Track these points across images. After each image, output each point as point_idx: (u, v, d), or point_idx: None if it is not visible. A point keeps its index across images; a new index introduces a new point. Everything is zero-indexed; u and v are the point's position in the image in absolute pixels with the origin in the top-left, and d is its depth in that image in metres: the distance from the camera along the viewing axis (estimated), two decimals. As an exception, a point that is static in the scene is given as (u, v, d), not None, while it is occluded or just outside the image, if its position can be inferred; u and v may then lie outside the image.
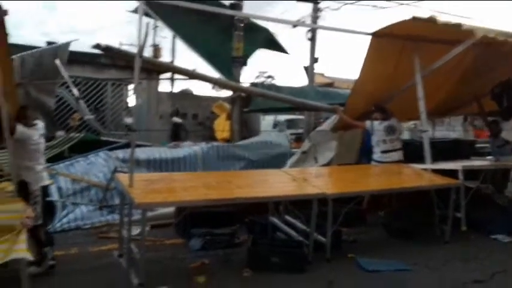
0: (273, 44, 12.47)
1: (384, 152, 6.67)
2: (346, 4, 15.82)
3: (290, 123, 19.91)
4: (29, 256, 3.30)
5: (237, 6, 12.31)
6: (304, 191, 5.04)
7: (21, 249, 3.22)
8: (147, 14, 5.43)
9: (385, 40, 6.11)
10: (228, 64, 11.85)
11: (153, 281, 4.11)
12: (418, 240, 5.76)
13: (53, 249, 4.61)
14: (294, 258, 4.75)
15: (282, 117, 20.35)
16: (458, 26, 5.25)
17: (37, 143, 4.50)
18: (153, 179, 5.01)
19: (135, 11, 11.55)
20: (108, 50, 5.89)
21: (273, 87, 12.15)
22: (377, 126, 6.69)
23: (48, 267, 4.46)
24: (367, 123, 6.84)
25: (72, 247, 5.37)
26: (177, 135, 14.06)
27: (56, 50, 9.29)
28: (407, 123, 10.54)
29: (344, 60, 56.99)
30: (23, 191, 4.08)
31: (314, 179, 5.55)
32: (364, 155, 7.55)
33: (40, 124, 4.66)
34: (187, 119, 17.44)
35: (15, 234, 3.26)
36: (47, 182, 4.66)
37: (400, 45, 6.34)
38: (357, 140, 7.31)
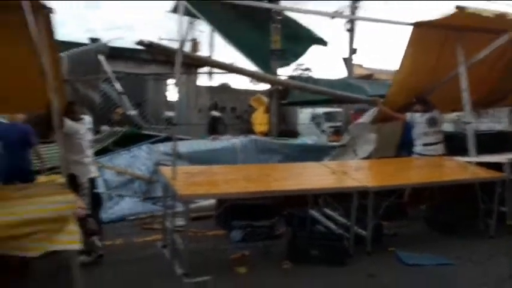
0: (316, 41, 12.44)
1: (425, 144, 6.54)
2: (385, -6, 15.44)
3: (328, 116, 19.75)
4: (81, 246, 3.48)
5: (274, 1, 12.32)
6: (344, 183, 5.03)
7: (74, 241, 3.40)
8: (186, 12, 5.57)
9: (427, 30, 5.97)
10: (266, 57, 11.89)
11: (196, 271, 4.22)
12: (461, 234, 5.63)
13: (101, 240, 4.82)
14: (334, 251, 4.76)
15: (320, 110, 20.21)
16: (503, 16, 5.08)
17: (84, 137, 4.70)
18: (194, 171, 5.14)
19: (174, 10, 11.79)
20: (150, 46, 6.06)
21: (310, 79, 12.12)
22: (418, 119, 6.57)
23: (96, 256, 4.67)
24: (408, 115, 6.72)
25: (118, 238, 5.58)
26: (215, 128, 14.25)
27: (100, 46, 9.62)
28: (450, 114, 10.25)
29: (384, 51, 55.73)
30: (73, 183, 4.28)
31: (354, 172, 5.52)
32: (405, 148, 7.42)
33: (87, 119, 4.87)
34: (225, 112, 17.62)
35: (68, 224, 3.43)
36: (94, 174, 4.86)
37: (443, 35, 6.18)
38: (397, 132, 7.18)
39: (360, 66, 24.97)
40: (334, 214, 5.61)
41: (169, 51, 6.54)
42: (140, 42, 5.84)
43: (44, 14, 3.75)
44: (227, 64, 8.50)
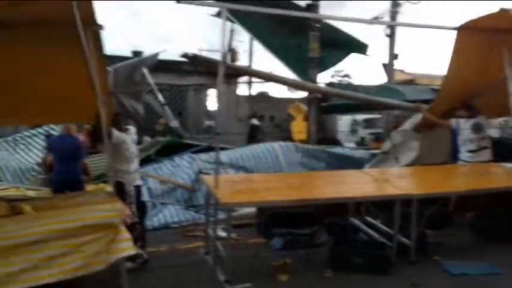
0: (356, 48, 12.39)
1: (471, 151, 6.35)
2: (427, -2, 15.14)
3: (368, 123, 19.54)
4: (134, 251, 3.61)
5: (313, 6, 12.36)
6: (387, 191, 4.96)
7: (128, 247, 3.53)
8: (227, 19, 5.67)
9: (472, 34, 5.83)
10: (304, 65, 11.94)
11: (238, 278, 4.28)
12: (508, 242, 5.41)
13: (146, 246, 4.97)
14: (377, 259, 4.69)
15: (360, 117, 19.99)
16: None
17: (130, 147, 4.87)
18: (236, 180, 5.23)
19: (217, 15, 12.05)
20: (195, 59, 6.23)
21: (349, 86, 12.05)
22: (463, 125, 6.39)
23: (141, 262, 4.81)
24: (453, 121, 6.55)
25: (162, 244, 5.72)
26: (254, 137, 14.36)
27: (145, 61, 9.98)
28: (496, 120, 9.90)
29: (426, 55, 54.40)
30: (120, 191, 4.46)
31: (396, 179, 5.44)
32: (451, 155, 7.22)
33: (132, 130, 5.04)
34: (264, 121, 17.72)
35: (118, 232, 3.56)
36: (139, 182, 5.02)
37: (488, 38, 6.01)
38: (445, 139, 6.97)
39: (402, 71, 24.55)
40: (376, 222, 5.54)
41: (212, 63, 6.70)
42: (185, 55, 6.03)
43: (94, 30, 3.96)
44: (266, 73, 8.62)
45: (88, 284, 4.36)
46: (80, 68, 3.91)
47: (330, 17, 12.37)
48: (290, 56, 12.09)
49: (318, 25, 11.25)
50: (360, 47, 12.55)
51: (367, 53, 12.39)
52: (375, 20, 14.23)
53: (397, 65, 17.68)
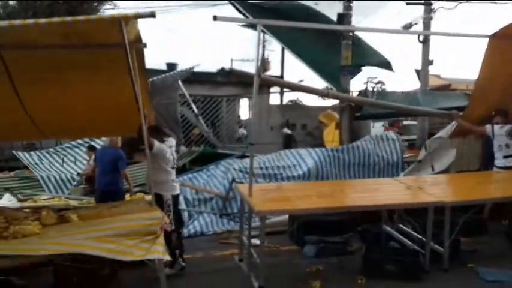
0: (382, 64, 12.37)
1: (506, 157, 6.26)
2: (461, 3, 14.88)
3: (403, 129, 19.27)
4: (166, 257, 3.81)
5: (345, 16, 12.43)
6: (419, 199, 4.98)
7: (159, 251, 3.74)
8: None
9: (504, 40, 5.79)
10: (336, 73, 11.99)
11: (271, 285, 4.42)
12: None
13: (183, 253, 5.17)
14: (409, 266, 4.73)
15: (394, 124, 19.79)
16: None
17: (169, 157, 5.08)
18: (268, 188, 5.38)
19: (250, 25, 12.29)
20: (231, 73, 6.46)
21: (383, 93, 12.00)
22: (498, 131, 6.32)
23: (179, 269, 5.02)
24: (488, 127, 6.49)
25: (197, 251, 5.92)
26: (287, 146, 14.47)
27: (180, 74, 10.34)
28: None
29: (463, 60, 53.08)
30: (159, 200, 4.68)
31: (429, 186, 5.44)
32: (488, 161, 7.12)
33: (172, 141, 5.25)
34: (296, 129, 17.80)
35: (155, 237, 3.78)
36: (177, 192, 5.24)
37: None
38: (476, 146, 6.91)
39: (438, 76, 24.10)
40: (409, 230, 5.55)
41: (246, 75, 6.91)
42: (222, 70, 6.28)
43: (138, 48, 4.21)
44: (295, 84, 8.75)
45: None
46: (124, 83, 4.16)
47: (362, 29, 12.38)
48: (321, 64, 12.17)
49: (351, 33, 11.30)
50: (386, 65, 12.55)
51: (392, 69, 12.35)
52: (406, 31, 14.09)
53: (433, 70, 17.37)
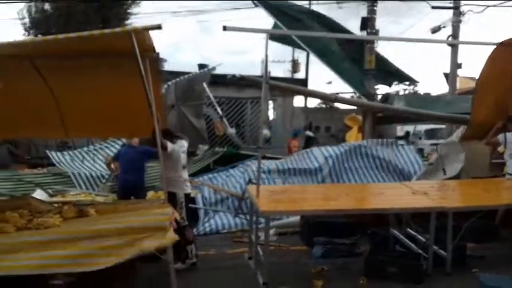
0: (405, 79, 12.41)
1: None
2: (489, 6, 14.66)
3: (430, 133, 19.02)
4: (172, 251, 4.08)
5: (369, 20, 12.51)
6: (421, 203, 5.08)
7: (168, 245, 4.02)
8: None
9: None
10: (360, 77, 12.09)
11: (276, 281, 4.63)
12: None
13: (195, 249, 5.45)
14: (412, 269, 4.85)
15: (422, 127, 19.53)
16: None
17: (180, 158, 5.37)
18: (277, 190, 5.60)
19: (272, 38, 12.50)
20: (242, 79, 6.73)
21: (415, 96, 11.98)
22: (510, 138, 6.32)
23: (190, 264, 5.30)
24: (499, 137, 6.44)
25: (211, 248, 6.19)
26: (307, 148, 14.60)
27: (202, 74, 10.65)
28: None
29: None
30: (172, 198, 4.97)
31: (435, 192, 5.54)
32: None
33: (184, 143, 5.54)
34: (319, 131, 17.88)
35: (165, 232, 4.06)
36: (189, 191, 5.53)
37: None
38: (486, 152, 6.88)
39: (471, 78, 23.57)
40: (416, 234, 5.65)
41: (257, 82, 7.16)
42: (233, 77, 6.56)
43: (152, 57, 4.51)
44: (307, 89, 8.93)
45: (140, 281, 4.92)
46: (138, 89, 4.47)
47: (386, 38, 12.43)
48: (346, 70, 12.27)
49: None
50: (409, 79, 12.57)
51: (415, 82, 12.39)
52: (431, 40, 14.01)
53: (467, 72, 17.13)
